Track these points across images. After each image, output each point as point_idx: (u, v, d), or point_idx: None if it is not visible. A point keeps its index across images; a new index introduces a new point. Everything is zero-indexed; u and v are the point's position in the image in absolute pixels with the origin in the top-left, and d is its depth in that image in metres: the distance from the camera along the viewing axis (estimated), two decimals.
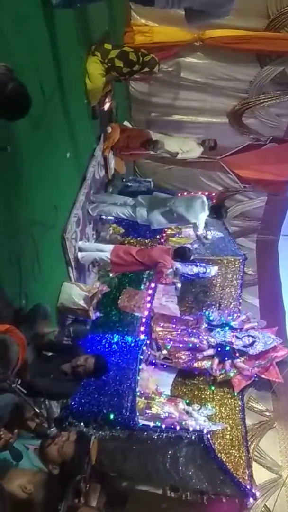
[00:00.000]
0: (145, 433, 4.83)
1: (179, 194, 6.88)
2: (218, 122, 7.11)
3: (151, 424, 5.03)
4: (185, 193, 7.05)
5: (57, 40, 3.83)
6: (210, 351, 6.14)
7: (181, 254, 5.11)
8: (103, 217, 6.00)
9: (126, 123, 6.70)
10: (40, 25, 3.48)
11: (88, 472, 4.27)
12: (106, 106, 5.46)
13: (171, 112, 7.17)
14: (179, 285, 6.51)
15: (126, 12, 6.31)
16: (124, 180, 7.20)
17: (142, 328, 5.68)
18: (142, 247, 6.13)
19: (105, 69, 4.86)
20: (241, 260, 6.88)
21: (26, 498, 2.52)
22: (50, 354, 3.61)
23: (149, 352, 5.98)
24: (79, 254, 5.03)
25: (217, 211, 6.06)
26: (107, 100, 5.41)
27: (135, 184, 7.34)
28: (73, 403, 4.64)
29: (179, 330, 6.22)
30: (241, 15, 6.05)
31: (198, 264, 6.66)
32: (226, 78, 6.58)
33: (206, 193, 7.33)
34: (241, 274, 6.89)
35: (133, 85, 6.99)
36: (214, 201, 7.37)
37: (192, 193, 6.75)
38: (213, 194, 7.57)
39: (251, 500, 5.33)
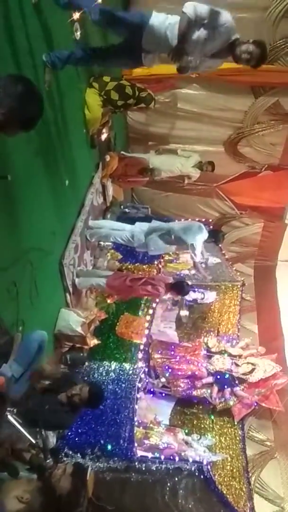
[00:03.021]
0: (144, 464, 4.70)
1: (176, 220, 6.95)
2: (214, 150, 7.26)
3: (150, 455, 4.91)
4: (183, 219, 7.12)
5: (59, 72, 3.95)
6: (209, 379, 6.06)
7: (179, 289, 5.10)
8: (101, 243, 6.03)
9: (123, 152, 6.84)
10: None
11: (85, 506, 4.13)
12: (104, 136, 5.58)
13: (168, 141, 7.33)
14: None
15: None
16: (122, 206, 7.28)
17: (140, 355, 5.61)
18: (140, 273, 6.13)
19: (102, 100, 5.00)
20: (239, 286, 6.89)
21: (24, 508, 2.47)
22: (46, 383, 3.55)
23: (147, 380, 5.89)
24: (77, 280, 5.03)
25: (215, 236, 6.10)
26: (104, 130, 5.53)
27: (133, 211, 7.42)
28: (69, 433, 4.53)
29: (178, 357, 6.15)
30: None
31: (196, 289, 6.65)
32: (221, 109, 6.77)
33: (203, 219, 7.41)
34: (239, 300, 6.88)
35: (130, 115, 7.17)
36: (211, 227, 7.45)
37: (190, 219, 6.82)
38: (210, 220, 7.65)
39: None
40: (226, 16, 3.34)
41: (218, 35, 3.36)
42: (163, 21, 3.44)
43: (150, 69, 6.30)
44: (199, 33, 3.36)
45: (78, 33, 4.33)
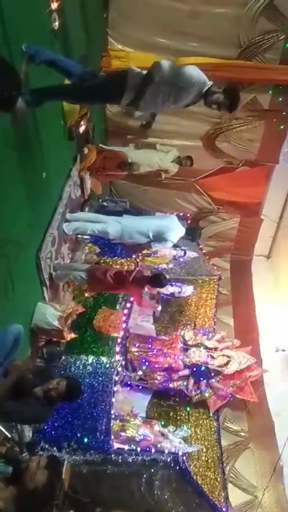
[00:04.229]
0: (120, 456, 4.74)
1: (156, 213, 6.98)
2: (192, 145, 7.28)
3: (126, 447, 4.96)
4: (160, 213, 7.14)
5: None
6: (186, 371, 6.15)
7: (157, 282, 5.13)
8: (79, 236, 5.99)
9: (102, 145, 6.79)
10: (20, 46, 3.52)
11: (61, 499, 4.14)
12: (82, 128, 5.53)
13: (147, 135, 7.32)
14: (159, 308, 6.54)
15: (103, 37, 6.48)
16: (100, 200, 7.24)
17: (117, 349, 5.63)
18: (117, 267, 6.13)
19: None
20: (215, 280, 6.97)
21: None
22: (29, 376, 3.52)
23: (124, 373, 5.93)
24: (54, 274, 4.99)
25: (192, 233, 6.14)
26: (82, 122, 5.47)
27: (111, 204, 7.39)
28: (45, 427, 4.52)
29: (155, 350, 6.21)
30: (214, 44, 6.32)
31: (173, 283, 6.70)
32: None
33: (181, 214, 7.46)
34: (215, 293, 6.97)
35: (109, 108, 7.11)
36: (189, 221, 7.50)
37: (168, 213, 6.84)
38: (188, 215, 7.70)
39: None
40: (193, 73, 3.42)
41: (187, 92, 3.47)
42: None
43: (128, 62, 6.28)
44: (163, 90, 3.48)
45: (57, 23, 4.27)
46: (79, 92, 3.83)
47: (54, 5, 4.14)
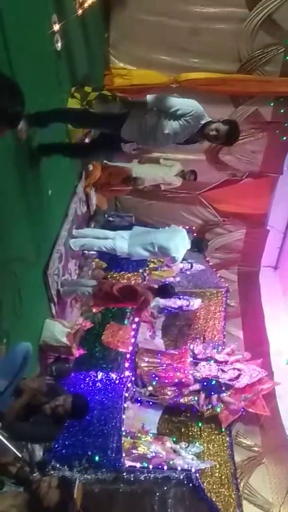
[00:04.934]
0: (132, 474, 4.66)
1: (160, 228, 6.98)
2: (196, 159, 7.33)
3: (138, 465, 4.87)
4: (166, 227, 7.15)
5: (39, 82, 3.96)
6: (196, 386, 6.08)
7: (164, 292, 5.14)
8: (86, 252, 6.01)
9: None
10: (23, 67, 3.59)
11: None
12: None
13: (150, 150, 7.39)
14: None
15: (105, 56, 6.60)
16: (106, 215, 7.28)
17: (126, 364, 5.59)
18: (124, 281, 6.12)
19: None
20: (223, 292, 6.94)
21: None
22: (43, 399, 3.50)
23: (134, 389, 5.87)
24: (61, 290, 5.00)
25: (198, 245, 6.14)
26: (87, 140, 5.54)
27: (117, 219, 7.43)
28: (56, 446, 4.46)
29: (164, 365, 6.15)
30: (214, 59, 6.41)
31: (181, 297, 6.68)
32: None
33: (187, 227, 7.46)
34: (224, 306, 6.93)
35: None
36: (195, 234, 7.51)
37: (173, 225, 6.85)
38: (194, 228, 7.71)
39: None
40: (191, 105, 3.47)
41: (186, 124, 3.48)
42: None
43: (131, 79, 6.39)
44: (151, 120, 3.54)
45: (59, 44, 4.36)
46: (83, 118, 3.98)
47: (57, 27, 4.23)
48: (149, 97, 3.56)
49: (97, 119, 3.99)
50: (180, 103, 3.50)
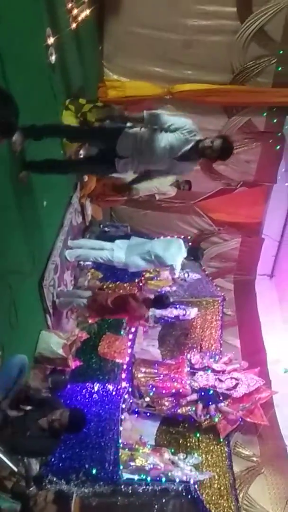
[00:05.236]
0: (130, 487, 4.61)
1: (156, 238, 7.00)
2: None
3: (136, 477, 4.82)
4: (162, 237, 7.18)
5: (34, 94, 3.99)
6: (194, 396, 6.04)
7: (160, 302, 5.14)
8: (81, 262, 6.01)
9: None
10: (18, 80, 3.62)
11: None
12: (81, 157, 5.61)
13: (146, 167, 7.41)
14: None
15: (99, 68, 6.66)
16: (101, 225, 7.29)
17: (123, 375, 5.56)
18: (121, 291, 6.11)
19: (79, 122, 5.06)
20: (220, 301, 6.94)
21: None
22: (28, 408, 3.47)
23: (131, 400, 5.83)
24: (57, 301, 4.98)
25: (194, 253, 6.16)
26: (81, 151, 5.57)
27: (112, 229, 7.43)
28: (53, 459, 4.41)
29: (161, 375, 6.12)
30: (207, 71, 6.48)
31: (177, 306, 6.67)
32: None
33: (182, 236, 7.49)
34: (220, 315, 6.92)
35: None
36: (190, 243, 7.53)
37: (169, 237, 6.87)
38: (189, 237, 7.73)
39: None
40: (185, 121, 3.61)
41: (181, 137, 3.57)
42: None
43: (125, 91, 6.45)
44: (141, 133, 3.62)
45: (53, 57, 4.40)
46: (78, 133, 4.09)
47: (51, 40, 4.28)
48: (145, 113, 3.61)
49: (92, 133, 4.02)
50: (174, 119, 3.61)
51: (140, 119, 3.61)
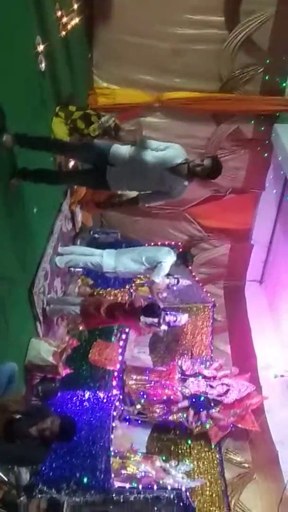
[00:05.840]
0: (121, 495, 4.57)
1: (146, 245, 7.00)
2: None
3: (127, 485, 4.78)
4: (152, 244, 7.18)
5: (24, 102, 4.00)
6: (185, 403, 6.03)
7: (150, 311, 5.13)
8: (72, 269, 5.99)
9: None
10: (8, 87, 3.62)
11: None
12: (71, 164, 5.62)
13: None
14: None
15: (89, 75, 6.70)
16: (91, 232, 7.28)
17: (114, 382, 5.53)
18: (111, 298, 6.10)
19: (69, 129, 5.07)
20: (210, 307, 6.95)
21: None
22: (17, 416, 3.43)
23: (122, 408, 5.79)
24: (47, 308, 4.95)
25: (183, 257, 6.16)
26: (71, 159, 5.58)
27: (102, 236, 7.43)
28: (43, 468, 4.35)
29: (152, 382, 6.10)
30: (196, 78, 6.57)
31: (168, 312, 6.66)
32: (184, 136, 6.97)
33: (173, 242, 7.51)
34: (211, 321, 6.93)
35: None
36: (181, 250, 7.55)
37: (159, 243, 6.88)
38: (179, 243, 7.75)
39: None
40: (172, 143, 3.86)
41: (170, 150, 3.80)
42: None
43: (114, 99, 6.49)
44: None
45: (43, 64, 4.42)
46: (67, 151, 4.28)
47: (41, 48, 4.30)
48: (138, 138, 3.85)
49: (80, 153, 4.14)
50: (160, 143, 3.84)
51: (132, 143, 3.81)
